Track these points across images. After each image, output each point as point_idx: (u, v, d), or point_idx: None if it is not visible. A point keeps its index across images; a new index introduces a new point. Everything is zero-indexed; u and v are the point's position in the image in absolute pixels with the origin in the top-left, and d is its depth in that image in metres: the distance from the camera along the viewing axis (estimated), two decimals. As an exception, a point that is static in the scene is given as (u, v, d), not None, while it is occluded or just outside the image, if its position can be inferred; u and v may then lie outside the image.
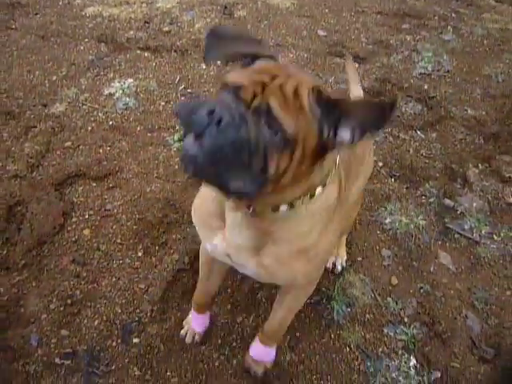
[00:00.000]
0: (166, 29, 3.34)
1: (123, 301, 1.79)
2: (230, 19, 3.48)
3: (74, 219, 2.05)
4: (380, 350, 1.67)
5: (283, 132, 0.87)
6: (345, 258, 1.91)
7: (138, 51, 3.10)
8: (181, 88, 2.79)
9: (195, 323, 1.68)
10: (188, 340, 1.68)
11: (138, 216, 2.06)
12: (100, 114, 2.58)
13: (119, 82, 2.79)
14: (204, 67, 2.98)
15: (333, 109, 0.89)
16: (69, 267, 1.87)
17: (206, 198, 1.24)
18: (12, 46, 3.16)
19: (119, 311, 1.75)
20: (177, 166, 2.30)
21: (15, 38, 3.25)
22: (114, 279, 1.84)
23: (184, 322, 1.72)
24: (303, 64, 3.04)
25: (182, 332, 1.70)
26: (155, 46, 3.15)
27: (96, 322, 1.71)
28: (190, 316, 1.70)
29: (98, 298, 1.78)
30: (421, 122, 2.61)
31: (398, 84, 2.88)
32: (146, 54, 3.08)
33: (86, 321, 1.72)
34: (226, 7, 3.62)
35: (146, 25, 3.38)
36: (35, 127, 2.50)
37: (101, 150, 2.36)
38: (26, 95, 2.73)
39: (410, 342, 1.68)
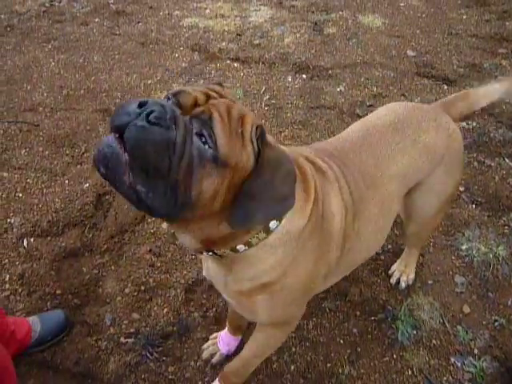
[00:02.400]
0: (257, 42, 3.46)
1: (190, 295, 1.86)
2: (319, 35, 3.54)
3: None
4: (445, 378, 1.60)
5: (215, 149, 0.79)
6: (412, 276, 1.85)
7: (228, 61, 3.24)
8: (265, 98, 2.88)
9: (222, 341, 1.62)
10: (205, 355, 1.63)
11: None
12: (187, 118, 2.73)
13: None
14: (290, 80, 3.05)
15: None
16: (145, 256, 1.99)
17: None
18: (115, 50, 3.43)
19: (185, 304, 1.82)
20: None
21: (118, 43, 3.52)
22: (185, 272, 1.93)
23: (211, 336, 1.68)
24: (389, 83, 3.01)
25: (205, 345, 1.65)
26: (245, 57, 3.28)
27: (165, 310, 1.80)
28: (220, 334, 1.65)
29: (168, 288, 1.88)
30: (510, 150, 2.48)
31: (488, 109, 2.76)
32: (235, 65, 3.21)
33: (155, 308, 1.82)
34: (316, 24, 3.69)
35: (238, 37, 3.53)
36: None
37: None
38: (123, 95, 2.95)
39: (478, 376, 1.60)
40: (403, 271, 1.85)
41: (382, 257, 1.97)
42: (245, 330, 1.64)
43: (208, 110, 0.81)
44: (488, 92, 1.53)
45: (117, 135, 0.77)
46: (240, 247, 0.96)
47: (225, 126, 0.81)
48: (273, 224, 0.96)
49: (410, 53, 3.34)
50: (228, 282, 1.09)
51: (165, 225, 2.11)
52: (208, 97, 0.85)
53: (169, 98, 0.84)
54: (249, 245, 0.96)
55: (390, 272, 1.89)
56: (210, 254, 0.98)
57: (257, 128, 0.86)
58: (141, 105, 0.77)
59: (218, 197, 0.83)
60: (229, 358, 1.60)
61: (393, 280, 1.86)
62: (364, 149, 1.26)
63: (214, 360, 1.62)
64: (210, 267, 1.15)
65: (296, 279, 1.08)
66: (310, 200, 1.04)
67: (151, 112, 0.76)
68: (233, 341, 1.63)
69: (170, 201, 0.79)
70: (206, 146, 0.79)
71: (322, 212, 1.08)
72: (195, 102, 0.83)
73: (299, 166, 1.08)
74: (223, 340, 1.62)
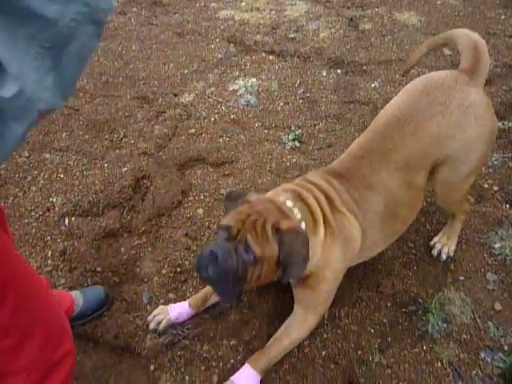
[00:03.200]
0: (292, 35, 3.48)
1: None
2: (354, 31, 3.55)
3: (190, 198, 2.23)
4: (474, 372, 1.62)
5: (254, 254, 1.34)
6: (453, 248, 1.94)
7: (264, 54, 3.28)
8: (300, 91, 2.91)
9: (173, 309, 1.74)
10: (152, 326, 1.73)
11: (247, 204, 2.20)
12: (223, 108, 2.78)
13: (243, 81, 2.98)
14: (324, 74, 3.07)
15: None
16: (181, 239, 2.05)
17: None
18: (152, 39, 3.50)
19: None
20: (288, 164, 2.41)
21: (155, 33, 3.59)
22: (220, 256, 1.98)
23: (159, 308, 1.77)
24: (424, 80, 3.00)
25: (150, 317, 1.75)
26: (280, 50, 3.31)
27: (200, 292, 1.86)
28: (170, 308, 1.75)
29: (203, 271, 1.93)
30: (546, 151, 2.47)
31: (524, 110, 2.74)
32: (270, 57, 3.24)
33: (191, 289, 1.88)
34: (351, 19, 3.69)
35: (274, 30, 3.56)
36: (165, 113, 2.76)
37: (220, 140, 2.54)
38: (160, 84, 3.01)
39: (507, 371, 1.61)
40: (445, 243, 1.95)
41: (414, 251, 1.99)
42: (202, 309, 1.79)
43: (244, 234, 1.36)
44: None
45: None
46: None
47: (254, 239, 1.35)
48: None
49: (446, 51, 3.32)
50: None
51: (201, 210, 2.17)
52: (243, 222, 1.37)
53: (222, 230, 1.40)
54: None
55: (431, 244, 1.99)
56: None
57: (272, 225, 1.37)
58: (210, 252, 1.36)
59: (262, 275, 1.40)
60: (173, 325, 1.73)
61: (434, 252, 1.95)
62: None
63: (161, 326, 1.72)
64: None
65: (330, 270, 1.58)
66: (319, 223, 1.53)
67: (217, 256, 1.35)
68: (186, 313, 1.76)
69: (238, 290, 1.41)
70: (249, 254, 1.35)
71: (333, 223, 1.56)
72: (238, 231, 1.38)
73: (305, 201, 1.54)
74: (175, 308, 1.75)
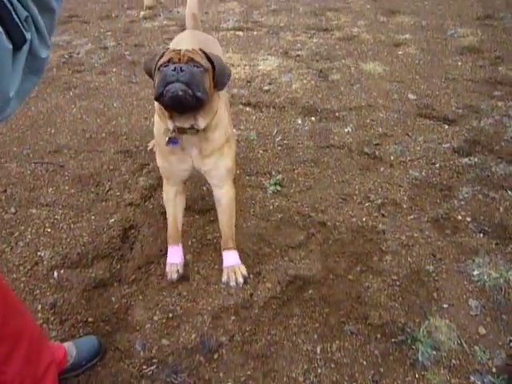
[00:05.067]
0: (266, 88, 3.68)
1: (216, 321, 1.94)
2: (324, 81, 3.77)
3: (178, 244, 2.28)
4: (465, 396, 1.66)
5: (202, 66, 1.67)
6: None
7: (241, 106, 3.44)
8: (278, 139, 3.06)
9: (174, 257, 2.12)
10: (173, 277, 2.09)
11: (234, 247, 2.25)
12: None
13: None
14: (300, 122, 3.23)
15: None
16: (171, 285, 2.08)
17: (162, 144, 1.88)
18: (133, 96, 3.64)
19: (212, 329, 1.90)
20: (271, 207, 2.50)
21: (135, 90, 3.75)
22: (210, 300, 2.01)
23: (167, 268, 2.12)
24: (393, 124, 3.20)
25: (168, 276, 2.10)
26: (256, 102, 3.49)
27: (193, 336, 1.88)
28: (168, 257, 2.13)
29: (195, 315, 1.96)
30: (512, 183, 2.63)
31: (488, 146, 2.94)
32: (247, 109, 3.41)
33: (184, 333, 1.89)
34: (321, 71, 3.94)
35: (248, 84, 3.76)
36: (148, 165, 2.85)
37: (204, 188, 2.63)
38: (142, 138, 3.12)
39: (498, 393, 1.66)
40: None
41: (398, 283, 2.06)
42: (180, 237, 2.16)
43: (187, 57, 1.67)
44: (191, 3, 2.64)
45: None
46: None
47: (196, 57, 1.68)
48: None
49: (411, 96, 3.56)
50: (204, 152, 1.87)
51: (189, 256, 2.22)
52: (179, 54, 1.68)
53: (168, 63, 1.67)
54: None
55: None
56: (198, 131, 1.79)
57: (200, 51, 1.73)
58: (174, 69, 1.63)
59: (210, 85, 1.72)
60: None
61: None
62: None
63: (180, 271, 2.12)
64: (192, 156, 1.88)
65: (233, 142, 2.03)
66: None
67: (181, 68, 1.63)
68: (179, 250, 2.15)
69: (205, 93, 1.67)
70: (200, 68, 1.68)
71: None
72: (179, 59, 1.67)
73: None
74: (174, 255, 2.13)
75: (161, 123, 1.84)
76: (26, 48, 0.83)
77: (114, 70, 4.10)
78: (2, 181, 2.73)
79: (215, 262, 2.18)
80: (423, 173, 2.74)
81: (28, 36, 0.83)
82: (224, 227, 2.11)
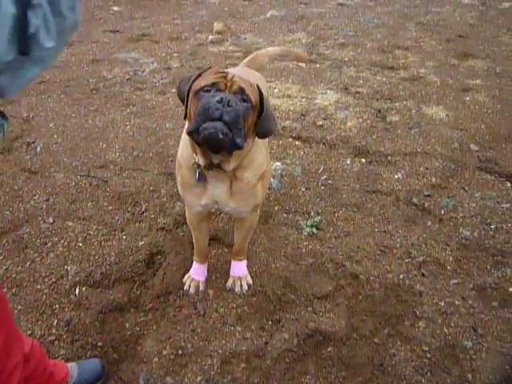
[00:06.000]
0: (320, 123, 3.59)
1: (225, 366, 1.84)
2: (381, 122, 3.63)
3: (201, 277, 2.22)
4: None
5: (251, 102, 1.49)
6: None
7: (291, 139, 3.37)
8: (322, 178, 2.94)
9: (197, 273, 2.15)
10: (192, 291, 2.12)
11: (258, 288, 2.16)
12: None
13: (268, 163, 3.05)
14: (348, 162, 3.11)
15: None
16: (187, 320, 2.01)
17: (186, 176, 1.78)
18: (186, 119, 3.67)
19: (219, 375, 1.80)
20: (304, 250, 2.38)
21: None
22: (223, 341, 1.92)
23: (185, 277, 2.17)
24: (449, 175, 3.00)
25: (186, 287, 2.14)
26: (306, 136, 3.40)
27: (198, 379, 1.79)
28: (191, 271, 2.17)
29: (205, 356, 1.87)
30: None
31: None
32: (296, 143, 3.33)
33: (189, 374, 1.80)
34: (379, 111, 3.80)
35: (302, 117, 3.69)
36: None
37: (238, 221, 2.56)
38: (187, 161, 3.11)
39: None
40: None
41: (428, 355, 1.87)
42: (207, 256, 2.23)
43: (236, 85, 1.48)
44: (268, 52, 2.58)
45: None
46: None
47: (248, 88, 1.50)
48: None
49: (473, 147, 3.33)
50: (233, 190, 1.74)
51: (211, 291, 2.15)
52: (224, 79, 1.49)
53: (209, 90, 1.48)
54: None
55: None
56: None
57: (257, 86, 1.57)
58: (220, 100, 1.42)
59: (252, 125, 1.54)
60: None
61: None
62: None
63: (201, 288, 2.15)
64: (216, 193, 1.75)
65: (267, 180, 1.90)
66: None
67: (229, 101, 1.42)
68: (203, 269, 2.19)
69: (243, 137, 1.48)
70: (247, 103, 1.49)
71: None
72: (225, 86, 1.48)
73: None
74: (198, 272, 2.17)
75: (189, 155, 1.69)
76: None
77: (173, 90, 4.17)
78: (47, 189, 2.81)
79: (235, 303, 2.09)
80: (475, 233, 2.52)
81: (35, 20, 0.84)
82: (239, 239, 2.11)
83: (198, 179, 1.69)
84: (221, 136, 1.41)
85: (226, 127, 1.41)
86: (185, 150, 1.75)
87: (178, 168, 1.86)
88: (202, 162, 1.60)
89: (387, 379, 1.77)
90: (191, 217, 2.02)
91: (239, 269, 2.18)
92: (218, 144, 1.46)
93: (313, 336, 1.93)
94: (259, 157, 1.76)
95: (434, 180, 2.94)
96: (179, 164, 1.82)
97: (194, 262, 2.19)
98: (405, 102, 3.98)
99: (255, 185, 1.78)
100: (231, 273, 2.18)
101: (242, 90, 1.47)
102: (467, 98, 4.11)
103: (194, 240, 2.13)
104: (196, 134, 1.45)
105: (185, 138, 1.74)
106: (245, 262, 2.20)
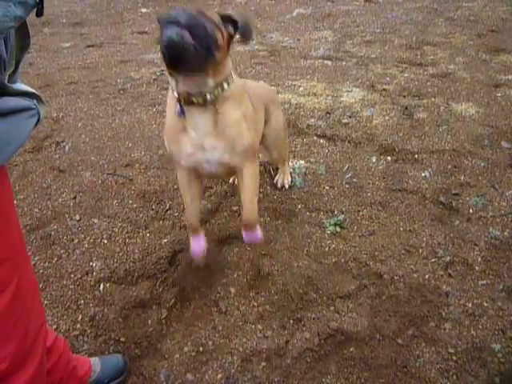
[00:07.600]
0: (345, 121, 3.55)
1: (245, 364, 1.84)
2: (408, 119, 3.56)
3: (223, 275, 2.22)
4: None
5: (214, 22, 1.49)
6: (290, 178, 2.81)
7: (315, 137, 3.34)
8: (347, 176, 2.90)
9: (196, 250, 2.08)
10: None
11: (280, 287, 2.14)
12: (268, 187, 2.82)
13: (291, 162, 3.02)
14: (374, 161, 3.06)
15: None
16: (208, 317, 2.02)
17: (170, 122, 1.77)
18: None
19: (239, 373, 1.80)
20: (327, 249, 2.35)
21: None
22: (244, 340, 1.92)
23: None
24: (478, 173, 2.91)
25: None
26: (331, 134, 3.36)
27: (219, 376, 1.79)
28: (190, 249, 2.10)
29: (225, 354, 1.87)
30: None
31: None
32: (321, 141, 3.30)
33: (210, 371, 1.81)
34: (406, 108, 3.72)
35: (328, 115, 3.65)
36: (212, 188, 2.84)
37: (262, 219, 2.55)
38: (211, 160, 3.12)
39: None
40: (283, 178, 2.79)
41: (454, 357, 1.81)
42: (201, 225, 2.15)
43: (198, 10, 1.50)
44: None
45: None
46: (225, 85, 1.63)
47: (210, 12, 1.52)
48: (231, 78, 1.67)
49: (505, 144, 3.22)
50: (219, 127, 1.68)
51: (233, 289, 2.14)
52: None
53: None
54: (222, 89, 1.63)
55: (274, 182, 2.80)
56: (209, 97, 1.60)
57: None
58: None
59: (224, 42, 1.54)
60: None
61: (278, 185, 2.79)
62: None
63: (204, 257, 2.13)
64: (201, 134, 1.70)
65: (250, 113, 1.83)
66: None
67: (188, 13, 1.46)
68: (200, 240, 2.10)
69: (212, 48, 1.48)
70: (212, 23, 1.49)
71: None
72: None
73: None
74: (196, 244, 2.09)
75: (171, 97, 1.69)
76: None
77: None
78: (75, 188, 2.87)
79: (257, 302, 2.08)
80: (505, 233, 2.44)
81: None
82: (246, 203, 1.98)
83: (179, 112, 1.65)
84: (175, 37, 1.39)
85: (187, 33, 1.40)
86: (170, 91, 1.73)
87: (166, 118, 1.84)
88: (179, 88, 1.59)
89: (411, 381, 1.73)
90: (180, 176, 1.96)
91: (252, 237, 2.08)
92: (178, 49, 1.41)
93: (334, 336, 1.90)
94: (238, 85, 1.73)
95: (462, 178, 2.86)
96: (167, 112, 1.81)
97: (190, 237, 2.11)
98: (433, 99, 3.89)
99: (239, 121, 1.72)
100: (245, 240, 2.11)
101: (201, 12, 1.49)
102: (498, 94, 3.98)
103: (185, 206, 2.09)
104: (161, 49, 1.46)
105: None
106: (258, 231, 2.06)
